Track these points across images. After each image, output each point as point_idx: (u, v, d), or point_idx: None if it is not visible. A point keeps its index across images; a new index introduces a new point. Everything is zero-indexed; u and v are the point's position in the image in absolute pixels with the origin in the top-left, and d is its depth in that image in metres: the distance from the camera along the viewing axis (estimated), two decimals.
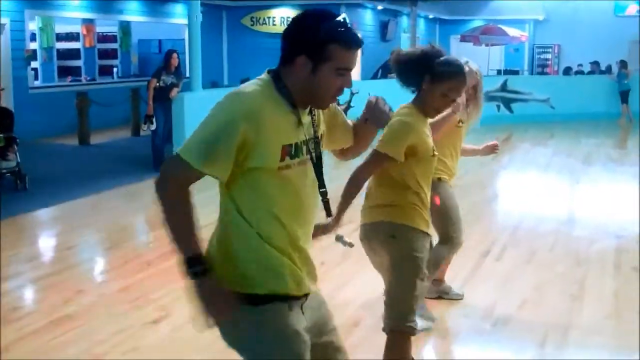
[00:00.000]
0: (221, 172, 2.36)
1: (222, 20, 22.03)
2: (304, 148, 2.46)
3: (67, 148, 13.82)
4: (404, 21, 24.60)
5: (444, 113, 4.71)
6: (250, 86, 2.42)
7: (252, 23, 22.01)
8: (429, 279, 4.83)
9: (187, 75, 12.62)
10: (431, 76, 3.66)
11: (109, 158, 12.71)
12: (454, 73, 3.70)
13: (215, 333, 2.49)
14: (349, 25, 2.41)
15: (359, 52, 2.51)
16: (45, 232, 8.41)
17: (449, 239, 5.19)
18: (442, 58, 3.72)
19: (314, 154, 2.50)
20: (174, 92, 11.30)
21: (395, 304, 3.68)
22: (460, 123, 5.13)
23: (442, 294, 5.60)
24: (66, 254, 7.17)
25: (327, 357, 2.66)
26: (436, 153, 3.78)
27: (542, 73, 28.08)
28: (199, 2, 12.39)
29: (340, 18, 2.40)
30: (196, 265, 2.35)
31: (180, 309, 5.44)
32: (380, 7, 22.84)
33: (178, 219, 2.39)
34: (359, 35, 2.46)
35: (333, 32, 2.37)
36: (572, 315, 5.39)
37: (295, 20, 2.47)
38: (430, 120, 4.55)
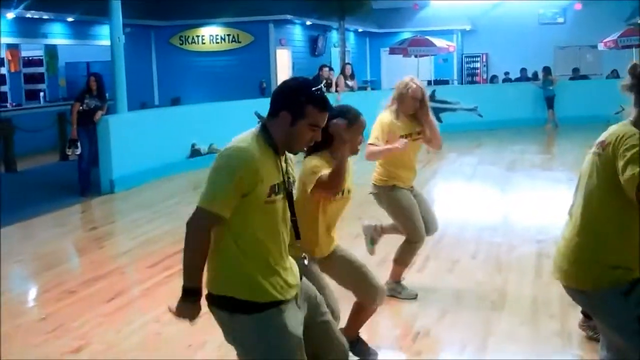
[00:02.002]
0: (228, 213, 2.98)
1: (150, 40, 21.92)
2: (282, 186, 3.11)
3: None
4: (334, 36, 24.79)
5: (390, 146, 5.52)
6: (246, 140, 3.04)
7: (181, 42, 21.96)
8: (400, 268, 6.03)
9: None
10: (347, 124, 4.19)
11: (35, 184, 12.46)
12: (359, 115, 4.39)
13: None
14: (323, 93, 3.14)
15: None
16: None
17: (408, 236, 5.87)
18: (338, 107, 4.34)
19: (288, 190, 3.16)
20: (98, 115, 11.17)
21: None
22: (401, 139, 5.60)
23: (396, 293, 6.01)
24: None
25: (326, 334, 3.38)
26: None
27: (472, 82, 28.58)
28: (121, 23, 12.32)
29: (317, 87, 3.12)
30: (191, 296, 3.03)
31: (101, 337, 5.40)
32: (309, 23, 22.99)
33: (191, 255, 3.03)
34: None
35: (311, 97, 3.08)
36: (491, 322, 5.49)
37: (284, 83, 3.23)
38: (375, 149, 5.57)
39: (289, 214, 3.20)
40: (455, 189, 11.47)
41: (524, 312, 5.69)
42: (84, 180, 11.28)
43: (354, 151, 4.25)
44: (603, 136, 3.18)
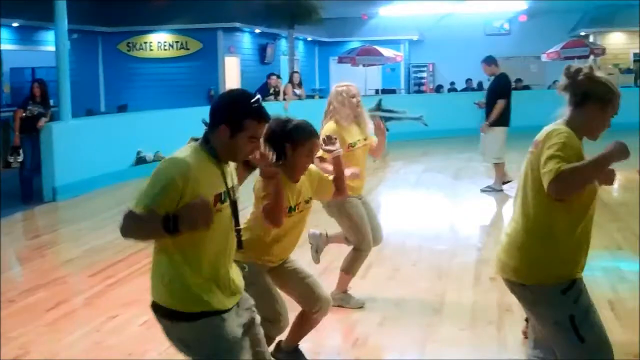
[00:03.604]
0: (160, 210, 2.89)
1: (97, 46, 21.65)
2: (227, 194, 3.12)
3: None
4: (283, 44, 24.84)
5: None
6: (183, 152, 3.06)
7: (128, 49, 21.76)
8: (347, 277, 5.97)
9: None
10: (292, 144, 4.09)
11: None
12: (310, 136, 4.16)
13: None
14: (261, 104, 3.10)
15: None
16: None
17: (356, 245, 5.86)
18: (292, 125, 4.14)
19: (232, 199, 3.16)
20: (42, 122, 11.05)
21: None
22: (351, 148, 5.68)
23: (344, 303, 5.99)
24: None
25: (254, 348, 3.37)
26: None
27: (419, 91, 28.83)
28: (67, 28, 12.19)
29: (254, 99, 3.09)
30: (167, 221, 2.84)
31: (41, 347, 5.35)
32: (258, 31, 22.99)
33: (138, 231, 2.99)
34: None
35: (248, 110, 3.07)
36: (431, 328, 5.58)
37: (220, 97, 3.29)
38: (326, 168, 5.17)
39: (233, 222, 3.20)
40: (400, 197, 11.58)
41: (463, 318, 5.79)
42: (26, 188, 11.13)
43: (300, 174, 4.19)
44: (538, 135, 3.37)
